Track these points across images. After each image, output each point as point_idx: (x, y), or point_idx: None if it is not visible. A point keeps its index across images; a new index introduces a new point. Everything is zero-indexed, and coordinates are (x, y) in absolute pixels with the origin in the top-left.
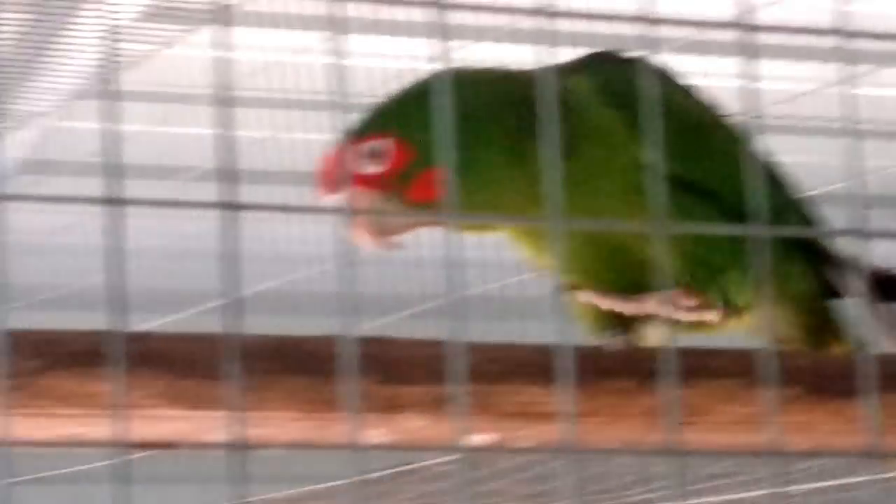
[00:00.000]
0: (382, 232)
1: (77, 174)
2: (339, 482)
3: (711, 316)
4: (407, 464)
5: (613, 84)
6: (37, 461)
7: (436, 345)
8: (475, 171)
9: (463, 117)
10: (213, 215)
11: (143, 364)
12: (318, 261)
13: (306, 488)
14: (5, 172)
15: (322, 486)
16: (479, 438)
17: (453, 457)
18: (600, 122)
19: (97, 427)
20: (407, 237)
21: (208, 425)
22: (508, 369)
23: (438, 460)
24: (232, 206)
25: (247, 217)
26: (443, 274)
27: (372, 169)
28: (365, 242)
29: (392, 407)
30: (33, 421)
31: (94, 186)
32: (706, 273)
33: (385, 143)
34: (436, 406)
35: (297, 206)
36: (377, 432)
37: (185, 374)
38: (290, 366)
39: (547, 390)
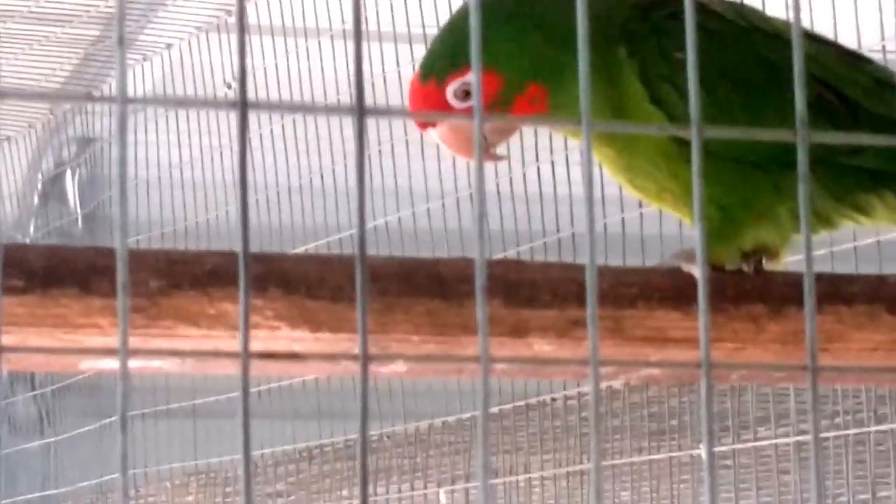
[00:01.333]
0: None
1: (204, 107)
2: (465, 415)
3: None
4: (531, 398)
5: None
6: (155, 395)
7: (566, 268)
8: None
9: (543, 32)
10: (345, 150)
11: (270, 285)
12: (443, 195)
13: (429, 421)
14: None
15: (449, 418)
16: (606, 370)
17: (577, 390)
18: None
19: (221, 347)
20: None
21: (333, 348)
22: (641, 294)
23: (560, 394)
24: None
25: (376, 151)
26: (566, 211)
27: (466, 105)
28: (466, 154)
29: (518, 331)
30: (156, 342)
31: (221, 119)
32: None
33: (470, 80)
34: (564, 331)
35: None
36: (503, 357)
37: (313, 296)
38: (419, 289)
39: (679, 315)
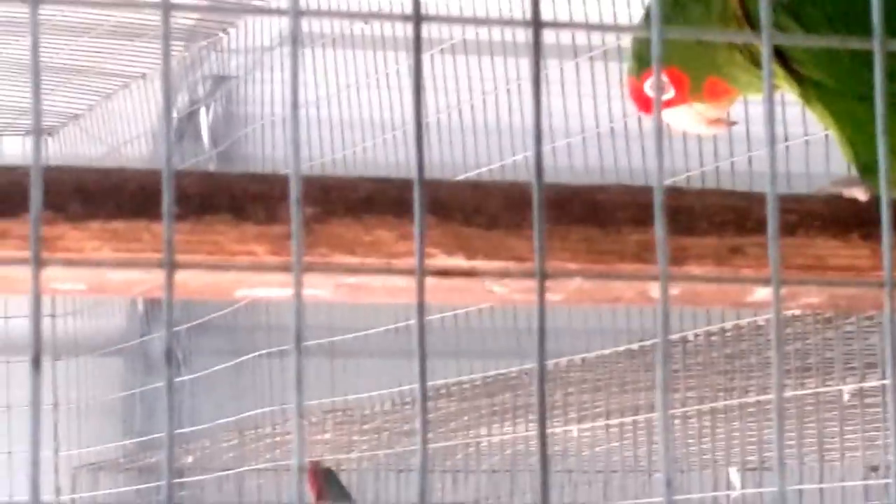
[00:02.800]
0: (713, 122)
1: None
2: (606, 351)
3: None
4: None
5: None
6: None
7: (724, 195)
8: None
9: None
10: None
11: (429, 212)
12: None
13: (568, 358)
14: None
15: (589, 355)
16: (764, 293)
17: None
18: None
19: (372, 276)
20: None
21: (488, 277)
22: (800, 222)
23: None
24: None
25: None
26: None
27: (665, 96)
28: (709, 132)
29: (676, 259)
30: (311, 270)
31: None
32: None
33: (662, 77)
34: (722, 258)
35: None
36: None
37: (468, 223)
38: (575, 216)
39: (839, 243)
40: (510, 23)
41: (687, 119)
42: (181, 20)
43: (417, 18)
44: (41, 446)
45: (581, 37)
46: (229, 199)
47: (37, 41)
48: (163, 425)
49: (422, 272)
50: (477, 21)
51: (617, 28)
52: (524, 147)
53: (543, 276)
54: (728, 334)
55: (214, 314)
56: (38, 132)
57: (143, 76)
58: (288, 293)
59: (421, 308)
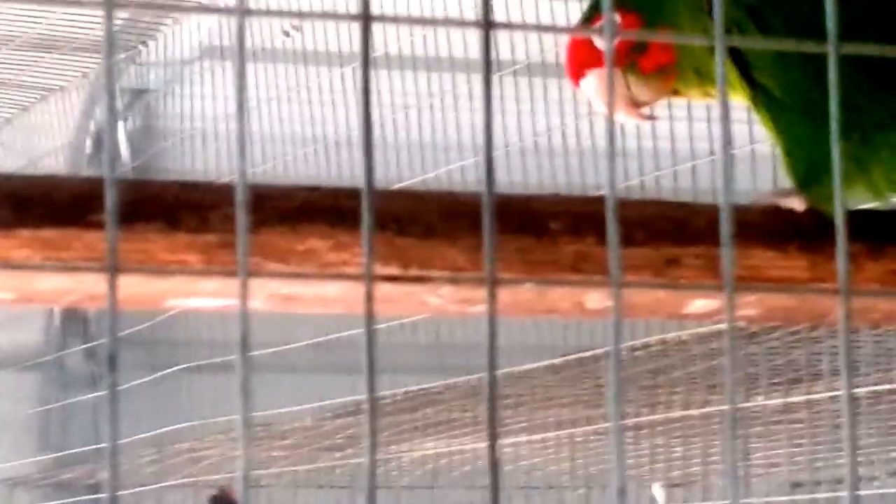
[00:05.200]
0: (635, 105)
1: (257, 60)
2: (517, 369)
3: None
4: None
5: None
6: (211, 349)
7: (661, 206)
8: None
9: None
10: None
11: (360, 222)
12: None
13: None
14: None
15: (513, 369)
16: (700, 304)
17: (643, 340)
18: None
19: (305, 286)
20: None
21: (421, 287)
22: (737, 232)
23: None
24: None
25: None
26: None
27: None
28: (622, 116)
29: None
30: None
31: (277, 71)
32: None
33: (615, 20)
34: (659, 270)
35: None
36: (597, 297)
37: (403, 232)
38: (511, 226)
39: (776, 254)
40: (461, 24)
41: (609, 91)
42: (98, 32)
43: (366, 18)
44: None
45: (504, 51)
46: (161, 207)
47: None
48: (78, 440)
49: (370, 278)
50: (425, 21)
51: (568, 29)
52: (446, 161)
53: (494, 282)
54: (652, 349)
55: (132, 329)
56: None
57: (61, 89)
58: (219, 303)
59: (370, 317)
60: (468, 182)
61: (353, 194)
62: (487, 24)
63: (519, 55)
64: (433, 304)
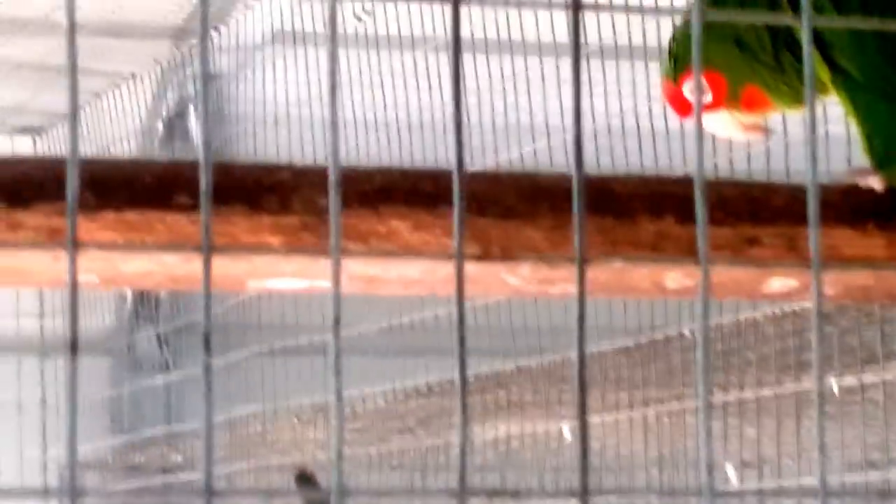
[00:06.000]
0: (750, 128)
1: (321, 44)
2: (594, 349)
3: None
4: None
5: None
6: (283, 332)
7: (740, 186)
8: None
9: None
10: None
11: (441, 203)
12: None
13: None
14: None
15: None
16: (778, 284)
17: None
18: None
19: (387, 267)
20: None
21: (500, 268)
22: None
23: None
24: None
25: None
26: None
27: (703, 100)
28: (746, 138)
29: (693, 249)
30: (325, 261)
31: (349, 56)
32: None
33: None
34: (738, 248)
35: None
36: (677, 276)
37: (483, 213)
38: (590, 206)
39: (855, 233)
40: (551, 5)
41: (724, 124)
42: (171, 18)
43: (456, 1)
44: (27, 446)
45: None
46: (243, 190)
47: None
48: (149, 424)
49: (461, 258)
50: (511, 3)
51: (656, 11)
52: (519, 144)
53: (583, 261)
54: (725, 330)
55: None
56: (75, 123)
57: (133, 75)
58: (300, 284)
59: (461, 296)
60: (545, 164)
61: (432, 176)
62: (577, 6)
63: (604, 37)
64: (513, 284)
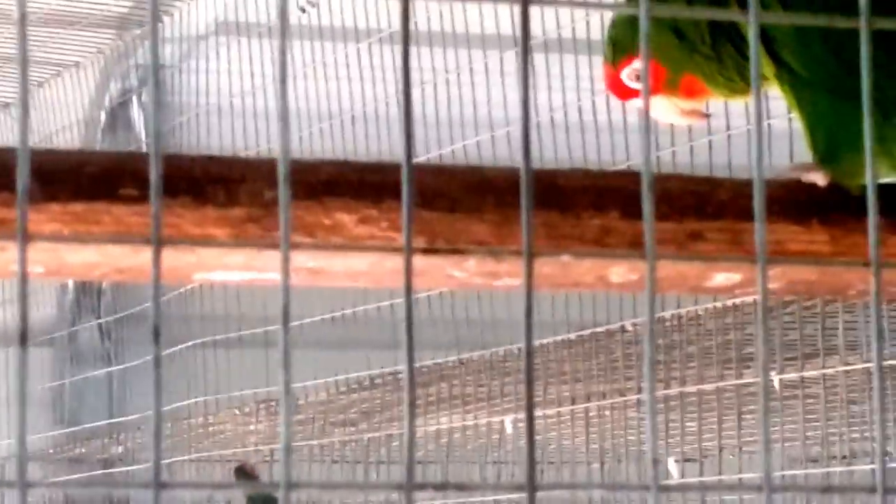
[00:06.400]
0: (687, 112)
1: (273, 36)
2: (538, 342)
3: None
4: (594, 327)
5: None
6: (226, 323)
7: (686, 180)
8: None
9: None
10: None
11: (386, 196)
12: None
13: (505, 348)
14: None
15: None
16: (722, 278)
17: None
18: None
19: (332, 259)
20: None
21: (448, 261)
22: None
23: (629, 322)
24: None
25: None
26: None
27: (638, 85)
28: (683, 121)
29: (635, 244)
30: (270, 253)
31: (292, 48)
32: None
33: (638, 65)
34: (682, 244)
35: None
36: (621, 270)
37: (429, 206)
38: (538, 200)
39: (799, 228)
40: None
41: (663, 109)
42: (114, 7)
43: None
44: None
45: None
46: (189, 181)
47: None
48: (91, 415)
49: (409, 251)
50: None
51: (600, 5)
52: (463, 136)
53: (531, 255)
54: (667, 324)
55: (146, 304)
56: (26, 114)
57: (76, 65)
58: (246, 276)
59: (408, 288)
60: (487, 158)
61: (377, 169)
62: (525, 1)
63: (548, 30)
64: (458, 277)
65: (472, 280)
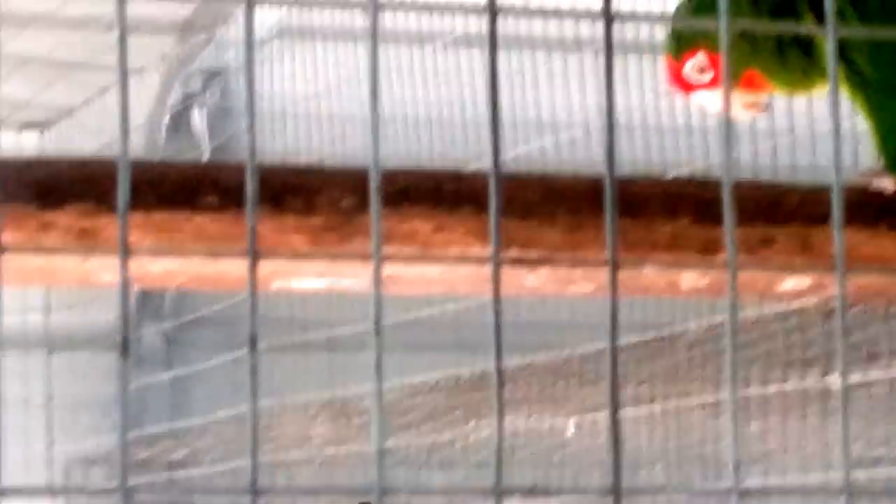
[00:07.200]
0: (746, 104)
1: (331, 39)
2: (601, 346)
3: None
4: (663, 329)
5: None
6: (290, 327)
7: (755, 187)
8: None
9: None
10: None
11: (463, 203)
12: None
13: (567, 350)
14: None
15: (588, 349)
16: (792, 283)
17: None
18: None
19: (407, 266)
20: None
21: (522, 268)
22: (830, 211)
23: (696, 325)
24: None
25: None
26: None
27: (704, 78)
28: (746, 115)
29: (708, 248)
30: (348, 262)
31: (350, 51)
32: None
33: (702, 59)
34: (753, 248)
35: None
36: (692, 276)
37: (504, 214)
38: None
39: (869, 233)
40: (583, 15)
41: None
42: (177, 12)
43: (492, 8)
44: (34, 440)
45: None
46: (268, 190)
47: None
48: (153, 420)
49: (497, 261)
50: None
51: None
52: (515, 142)
53: (616, 265)
54: (719, 330)
55: (212, 307)
56: (126, 123)
57: (140, 70)
58: (323, 284)
59: (497, 298)
60: (554, 161)
61: (454, 177)
62: (608, 17)
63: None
64: (531, 284)
65: (545, 287)
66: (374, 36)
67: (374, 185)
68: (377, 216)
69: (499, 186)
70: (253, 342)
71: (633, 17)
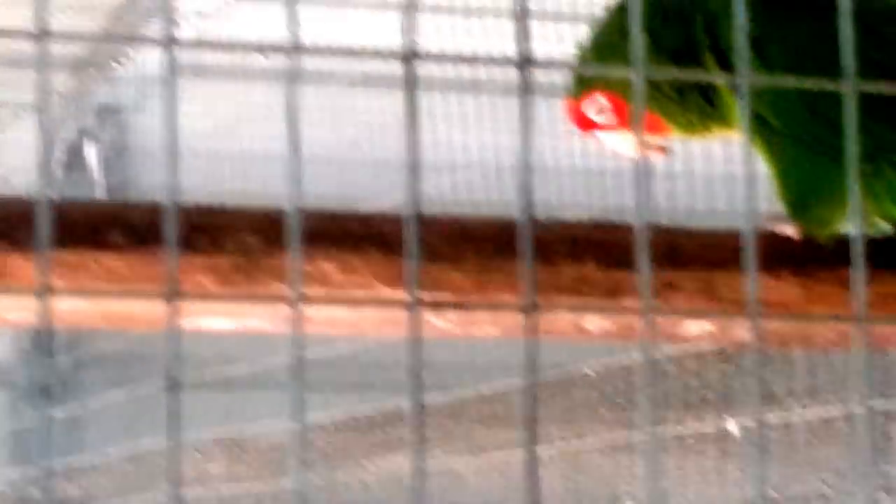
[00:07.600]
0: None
1: (232, 77)
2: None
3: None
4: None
5: None
6: (188, 365)
7: (657, 231)
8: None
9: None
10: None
11: (368, 245)
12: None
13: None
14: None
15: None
16: (695, 327)
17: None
18: None
19: (314, 307)
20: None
21: (432, 311)
22: (732, 256)
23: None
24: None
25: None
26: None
27: (604, 120)
28: (647, 157)
29: (612, 292)
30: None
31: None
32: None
33: (600, 100)
34: (656, 292)
35: None
36: (596, 319)
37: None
38: (515, 250)
39: (770, 279)
40: (497, 62)
41: (624, 143)
42: (70, 49)
43: (409, 57)
44: None
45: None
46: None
47: None
48: (48, 456)
49: (415, 303)
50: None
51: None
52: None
53: (534, 308)
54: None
55: (106, 345)
56: (47, 160)
57: (34, 106)
58: (232, 324)
59: (417, 341)
60: (451, 201)
61: (360, 218)
62: (525, 62)
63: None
64: (441, 327)
65: (453, 329)
66: (295, 77)
67: (294, 224)
68: (298, 256)
69: (417, 230)
70: (173, 385)
71: (551, 63)
